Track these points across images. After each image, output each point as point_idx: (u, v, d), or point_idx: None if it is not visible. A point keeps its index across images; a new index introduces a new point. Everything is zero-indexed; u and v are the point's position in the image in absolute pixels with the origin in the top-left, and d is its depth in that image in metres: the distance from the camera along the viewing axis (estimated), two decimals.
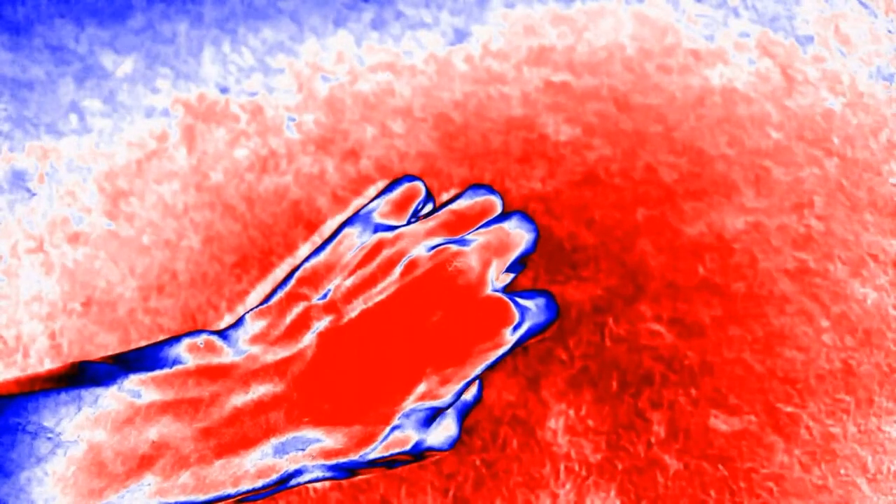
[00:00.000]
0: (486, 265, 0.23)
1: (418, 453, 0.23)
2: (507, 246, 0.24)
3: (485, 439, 0.30)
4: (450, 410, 0.24)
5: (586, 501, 0.29)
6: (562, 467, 0.30)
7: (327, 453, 0.21)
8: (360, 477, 0.29)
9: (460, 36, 0.37)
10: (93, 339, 0.31)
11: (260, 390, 0.21)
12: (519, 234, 0.25)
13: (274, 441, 0.21)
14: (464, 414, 0.25)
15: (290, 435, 0.21)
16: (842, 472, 0.30)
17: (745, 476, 0.30)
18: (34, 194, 0.34)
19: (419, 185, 0.26)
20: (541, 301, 0.25)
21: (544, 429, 0.30)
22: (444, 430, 0.23)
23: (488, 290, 0.23)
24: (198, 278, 0.32)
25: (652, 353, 0.31)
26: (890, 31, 0.38)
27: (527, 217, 0.25)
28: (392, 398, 0.22)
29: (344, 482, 0.29)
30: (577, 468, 0.30)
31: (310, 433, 0.21)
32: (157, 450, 0.19)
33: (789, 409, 0.31)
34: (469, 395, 0.25)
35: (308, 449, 0.21)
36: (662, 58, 0.37)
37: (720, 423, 0.30)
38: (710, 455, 0.30)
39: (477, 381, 0.26)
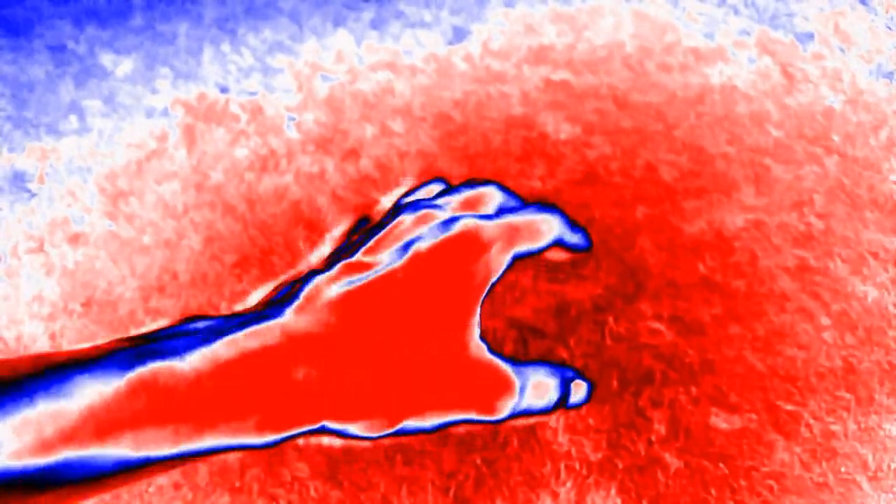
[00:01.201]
0: (501, 240, 0.24)
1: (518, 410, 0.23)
2: (524, 234, 0.24)
3: (485, 438, 0.30)
4: (552, 379, 0.24)
5: (587, 500, 0.29)
6: (562, 466, 0.30)
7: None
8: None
9: (460, 35, 0.37)
10: (93, 339, 0.31)
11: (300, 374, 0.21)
12: (541, 233, 0.25)
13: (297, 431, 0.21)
14: (567, 379, 0.25)
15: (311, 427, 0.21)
16: (842, 469, 0.30)
17: (746, 474, 0.30)
18: (34, 195, 0.34)
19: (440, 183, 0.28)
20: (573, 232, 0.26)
21: (545, 428, 0.30)
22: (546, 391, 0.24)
23: (491, 253, 0.23)
24: (198, 278, 0.32)
25: (652, 351, 0.32)
26: (889, 29, 0.38)
27: (569, 224, 0.26)
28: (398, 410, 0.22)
29: (343, 480, 0.29)
30: (577, 467, 0.30)
31: (334, 426, 0.21)
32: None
33: (790, 407, 0.31)
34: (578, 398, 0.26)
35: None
36: (662, 56, 0.37)
37: (721, 421, 0.30)
38: (710, 453, 0.30)
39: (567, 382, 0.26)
